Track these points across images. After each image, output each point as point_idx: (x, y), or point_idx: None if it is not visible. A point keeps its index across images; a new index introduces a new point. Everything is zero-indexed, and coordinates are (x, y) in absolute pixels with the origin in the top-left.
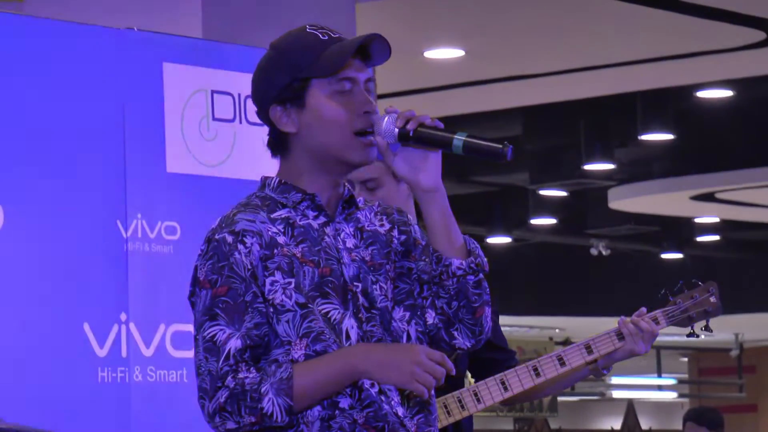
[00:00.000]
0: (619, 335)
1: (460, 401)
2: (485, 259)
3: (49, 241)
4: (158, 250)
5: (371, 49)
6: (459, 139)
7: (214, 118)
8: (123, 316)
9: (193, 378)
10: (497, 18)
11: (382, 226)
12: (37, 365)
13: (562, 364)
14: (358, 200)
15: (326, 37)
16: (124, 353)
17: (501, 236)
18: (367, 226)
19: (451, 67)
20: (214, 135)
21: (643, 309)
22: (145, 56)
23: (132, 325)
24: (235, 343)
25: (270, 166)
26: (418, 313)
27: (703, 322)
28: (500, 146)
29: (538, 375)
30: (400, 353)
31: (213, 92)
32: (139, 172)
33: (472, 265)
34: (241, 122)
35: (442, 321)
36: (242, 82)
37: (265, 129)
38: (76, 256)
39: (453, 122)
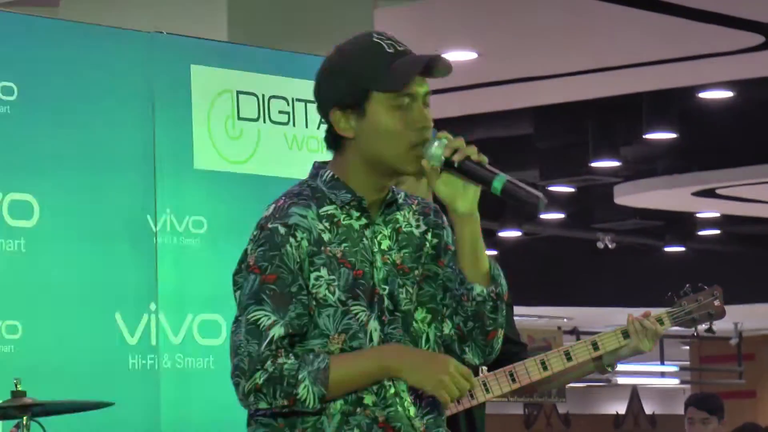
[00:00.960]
0: (625, 333)
1: (469, 390)
2: (506, 287)
3: (82, 235)
4: (186, 243)
5: (433, 66)
6: (499, 181)
7: (239, 118)
8: (152, 306)
9: (220, 364)
10: (508, 22)
11: (418, 227)
12: (71, 353)
13: (569, 359)
14: (398, 195)
15: (392, 50)
16: (153, 341)
17: (512, 230)
18: (404, 227)
19: (465, 68)
20: (240, 133)
21: (649, 310)
22: (173, 59)
23: (161, 315)
24: (278, 330)
25: (292, 163)
26: (439, 318)
27: (706, 325)
28: (538, 198)
29: (545, 368)
30: (433, 361)
31: (238, 93)
32: (168, 169)
33: (492, 294)
34: (265, 121)
35: (457, 335)
36: (266, 83)
37: (287, 128)
38: (108, 249)
39: (467, 121)
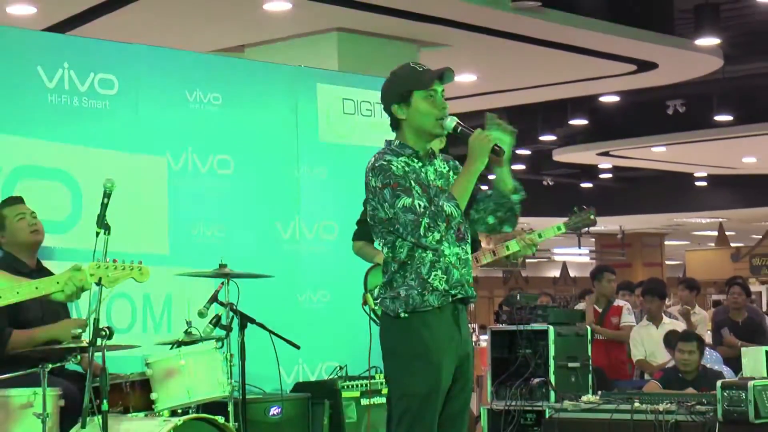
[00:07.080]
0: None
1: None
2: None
3: (259, 178)
4: (316, 182)
5: (445, 75)
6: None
7: (344, 113)
8: (297, 217)
9: (335, 250)
10: (494, 61)
11: (446, 168)
12: (251, 244)
13: (493, 254)
14: (437, 155)
15: (421, 69)
16: (297, 237)
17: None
18: (439, 168)
19: (468, 86)
20: (344, 122)
21: (532, 228)
22: (308, 80)
23: (302, 221)
24: (419, 201)
25: (373, 139)
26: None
27: (586, 229)
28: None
29: (477, 262)
30: (479, 139)
31: (344, 99)
32: (305, 142)
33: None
34: (358, 115)
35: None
36: (359, 94)
37: (368, 120)
38: (272, 185)
39: (472, 115)
